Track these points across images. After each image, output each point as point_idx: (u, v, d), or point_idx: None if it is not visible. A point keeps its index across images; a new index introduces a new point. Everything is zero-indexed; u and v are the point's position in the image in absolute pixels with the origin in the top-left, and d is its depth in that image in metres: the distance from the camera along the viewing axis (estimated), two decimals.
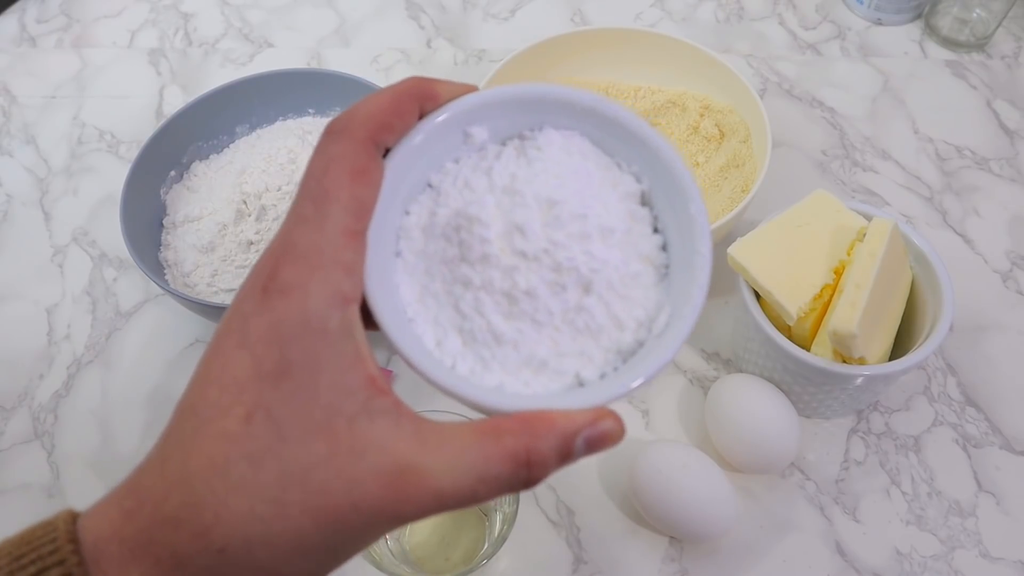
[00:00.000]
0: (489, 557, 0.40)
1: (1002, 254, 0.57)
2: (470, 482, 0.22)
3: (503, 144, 0.28)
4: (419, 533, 0.45)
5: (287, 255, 0.22)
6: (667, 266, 0.28)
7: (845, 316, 0.40)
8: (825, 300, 0.44)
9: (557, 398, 0.25)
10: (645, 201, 0.28)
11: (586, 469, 0.48)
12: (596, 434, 0.23)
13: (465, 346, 0.27)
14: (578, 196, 0.26)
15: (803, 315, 0.43)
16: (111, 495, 0.23)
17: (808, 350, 0.44)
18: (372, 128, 0.24)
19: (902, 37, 0.70)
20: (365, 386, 0.22)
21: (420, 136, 0.26)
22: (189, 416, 0.23)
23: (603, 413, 0.23)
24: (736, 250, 0.44)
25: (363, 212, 0.23)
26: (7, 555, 0.21)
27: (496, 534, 0.42)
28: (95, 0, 0.76)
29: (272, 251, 0.23)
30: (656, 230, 0.28)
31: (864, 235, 0.44)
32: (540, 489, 0.48)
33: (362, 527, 0.21)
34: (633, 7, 0.73)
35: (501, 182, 0.27)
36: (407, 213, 0.28)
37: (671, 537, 0.46)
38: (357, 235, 0.23)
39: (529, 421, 0.22)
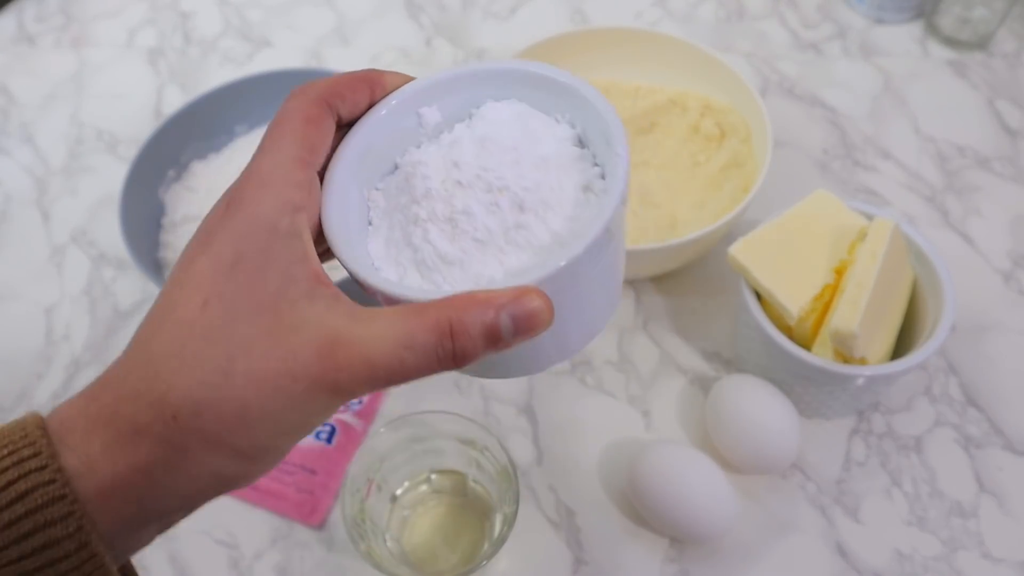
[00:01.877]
0: (489, 557, 0.40)
1: (1003, 254, 0.57)
2: (397, 350, 0.23)
3: (453, 126, 0.33)
4: (419, 534, 0.45)
5: (246, 179, 0.26)
6: (606, 190, 0.29)
7: (846, 316, 0.40)
8: (826, 300, 0.44)
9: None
10: (582, 144, 0.32)
11: (586, 469, 0.48)
12: (521, 312, 0.24)
13: (422, 277, 0.29)
14: (511, 137, 0.30)
15: (804, 315, 0.43)
16: (80, 391, 0.25)
17: (809, 350, 0.44)
18: (324, 90, 0.28)
19: (903, 36, 0.70)
20: (309, 277, 0.25)
21: (374, 116, 0.31)
22: (152, 316, 0.25)
23: (527, 290, 0.24)
24: (737, 250, 0.44)
25: (313, 149, 0.27)
26: None
27: (496, 534, 0.42)
28: None
29: (235, 181, 0.26)
30: (596, 164, 0.31)
31: (865, 235, 0.44)
32: (540, 489, 0.48)
33: (302, 397, 0.23)
34: (633, 6, 0.73)
35: (447, 141, 0.31)
36: (377, 189, 0.32)
37: (671, 537, 0.46)
38: (307, 164, 0.27)
39: (452, 299, 0.24)
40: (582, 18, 0.72)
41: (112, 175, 0.62)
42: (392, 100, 0.32)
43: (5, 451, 0.23)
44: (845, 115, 0.64)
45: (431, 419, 0.43)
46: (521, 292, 0.24)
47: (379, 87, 0.30)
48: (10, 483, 0.22)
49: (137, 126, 0.66)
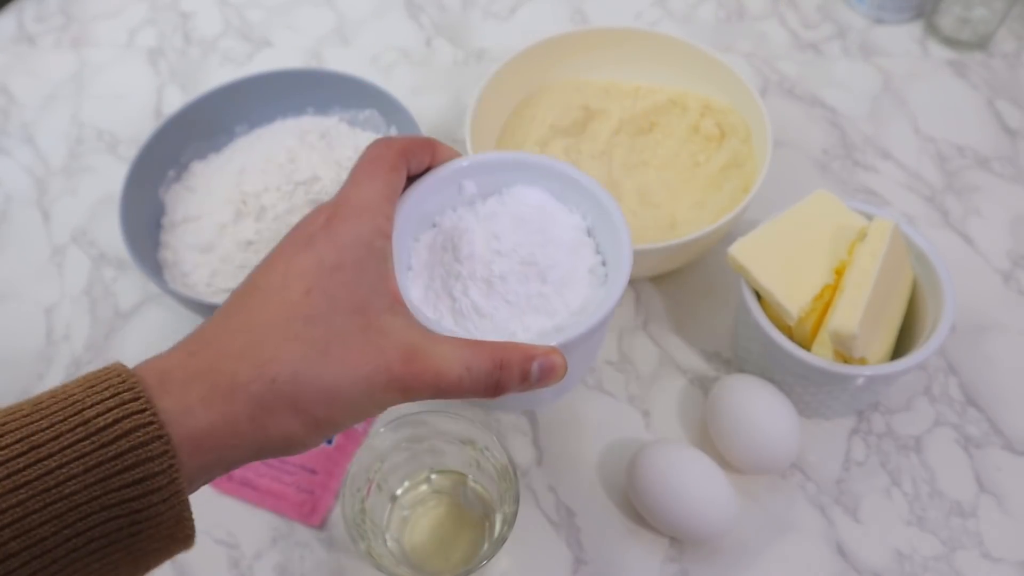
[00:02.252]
0: (489, 557, 0.40)
1: (1003, 254, 0.57)
2: (460, 369, 0.29)
3: (486, 198, 0.40)
4: (419, 534, 0.45)
5: (345, 202, 0.31)
6: (606, 275, 0.39)
7: (846, 316, 0.40)
8: (826, 300, 0.44)
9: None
10: (590, 234, 0.40)
11: (586, 469, 0.48)
12: (548, 364, 0.31)
13: (456, 324, 0.37)
14: (539, 220, 0.39)
15: (804, 315, 0.43)
16: (171, 348, 0.29)
17: (809, 350, 0.44)
18: (403, 147, 0.34)
19: (903, 36, 0.70)
20: (392, 294, 0.30)
21: (427, 181, 0.38)
22: (252, 291, 0.29)
23: (553, 350, 0.31)
24: (737, 250, 0.44)
25: (395, 191, 0.33)
26: (77, 385, 0.26)
27: (496, 534, 0.42)
28: None
29: (326, 205, 0.31)
30: (598, 252, 0.40)
31: (865, 235, 0.44)
32: (540, 489, 0.48)
33: (381, 390, 0.28)
34: (633, 6, 0.73)
35: (484, 213, 0.39)
36: (416, 240, 0.39)
37: (671, 537, 0.46)
38: (391, 201, 0.32)
39: (503, 343, 0.31)
40: (582, 18, 0.72)
41: (112, 175, 0.62)
42: (443, 171, 0.39)
43: (107, 392, 0.26)
44: (845, 115, 0.64)
45: (431, 419, 0.43)
46: (550, 350, 0.31)
47: (437, 155, 0.37)
48: (116, 420, 0.25)
49: (137, 126, 0.66)
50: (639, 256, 0.48)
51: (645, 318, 0.54)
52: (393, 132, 0.57)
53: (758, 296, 0.45)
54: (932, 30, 0.70)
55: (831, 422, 0.49)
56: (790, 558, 0.45)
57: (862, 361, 0.42)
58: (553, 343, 0.34)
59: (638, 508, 0.45)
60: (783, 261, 0.44)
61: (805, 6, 0.73)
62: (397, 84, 0.67)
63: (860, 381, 0.44)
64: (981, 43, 0.68)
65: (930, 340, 0.43)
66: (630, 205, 0.55)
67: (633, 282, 0.56)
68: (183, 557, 0.46)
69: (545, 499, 0.47)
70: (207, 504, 0.48)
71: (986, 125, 0.64)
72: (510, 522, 0.40)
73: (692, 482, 0.43)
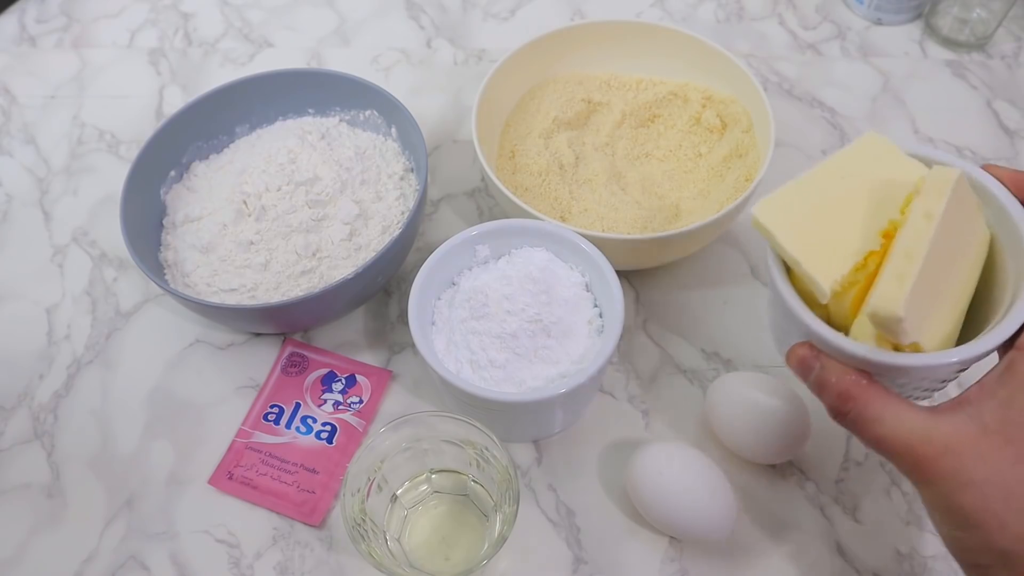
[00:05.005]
0: (489, 557, 0.40)
1: None
2: None
3: (498, 258, 0.48)
4: (419, 534, 0.45)
5: None
6: (603, 326, 0.46)
7: (888, 295, 0.31)
8: (871, 271, 0.34)
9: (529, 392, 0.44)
10: (588, 289, 0.47)
11: (586, 469, 0.48)
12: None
13: (474, 373, 0.44)
14: (544, 280, 0.45)
15: (842, 290, 0.34)
16: None
17: (847, 333, 0.35)
18: None
19: (902, 37, 0.70)
20: None
21: (446, 247, 0.47)
22: None
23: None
24: (761, 211, 0.35)
25: None
26: None
27: (496, 534, 0.42)
28: (95, 0, 0.76)
29: None
30: (596, 306, 0.47)
31: (919, 190, 0.34)
32: (540, 489, 0.48)
33: None
34: (633, 6, 0.73)
35: (496, 274, 0.46)
36: (438, 299, 0.48)
37: (671, 537, 0.46)
38: None
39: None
40: (582, 18, 0.72)
41: (113, 175, 0.63)
42: (459, 238, 0.47)
43: None
44: (844, 115, 0.65)
45: (431, 419, 0.43)
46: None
47: None
48: None
49: (138, 126, 0.66)
50: (643, 246, 0.49)
51: (645, 318, 0.54)
52: (393, 132, 0.57)
53: (788, 268, 0.37)
54: (931, 31, 0.70)
55: (831, 422, 0.49)
56: (790, 558, 0.45)
57: (915, 348, 0.33)
58: (560, 391, 0.41)
59: (638, 508, 0.45)
60: (819, 223, 0.35)
61: (804, 7, 0.73)
62: (397, 84, 0.67)
63: (912, 372, 0.34)
64: (980, 44, 0.69)
65: (1009, 316, 0.33)
66: (634, 196, 0.55)
67: (634, 279, 0.56)
68: (184, 556, 0.46)
69: (545, 499, 0.47)
70: (207, 504, 0.48)
71: (985, 125, 0.64)
72: (510, 522, 0.40)
73: (692, 482, 0.43)
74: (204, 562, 0.46)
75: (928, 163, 0.37)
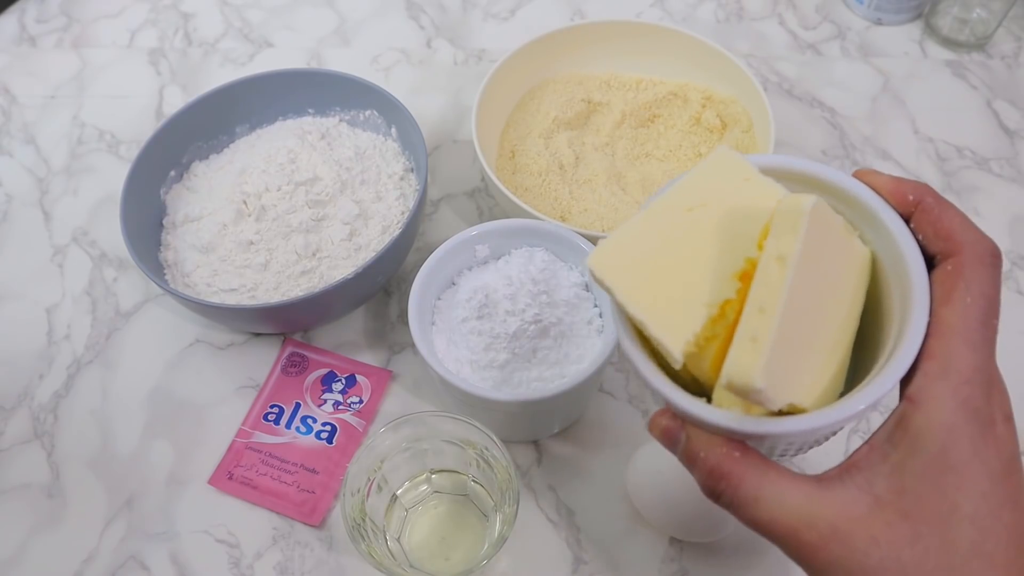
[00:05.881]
0: (489, 557, 0.40)
1: (1002, 254, 0.57)
2: None
3: (498, 258, 0.48)
4: (419, 534, 0.45)
5: None
6: (602, 326, 0.46)
7: (742, 362, 0.26)
8: (731, 321, 0.29)
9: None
10: (588, 289, 0.47)
11: (586, 468, 0.48)
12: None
13: (473, 372, 0.45)
14: (544, 281, 0.45)
15: (698, 350, 0.29)
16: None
17: (710, 399, 0.29)
18: None
19: (902, 37, 0.70)
20: None
21: (447, 246, 0.47)
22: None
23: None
24: (596, 260, 0.29)
25: None
26: None
27: (496, 534, 0.42)
28: (95, 0, 0.76)
29: None
30: (596, 306, 0.47)
31: (770, 227, 0.28)
32: (540, 489, 0.48)
33: None
34: (633, 7, 0.73)
35: (497, 272, 0.46)
36: (439, 299, 0.48)
37: (671, 537, 0.46)
38: None
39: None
40: (582, 18, 0.72)
41: (113, 175, 0.63)
42: (457, 239, 0.47)
43: None
44: (844, 116, 0.65)
45: (431, 419, 0.43)
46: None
47: None
48: None
49: (138, 126, 0.66)
50: None
51: None
52: (393, 132, 0.57)
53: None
54: (931, 31, 0.70)
55: None
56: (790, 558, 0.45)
57: (792, 408, 0.28)
58: (560, 391, 0.41)
59: (638, 508, 0.45)
60: (664, 271, 0.29)
61: (804, 7, 0.73)
62: (397, 84, 0.67)
63: (787, 438, 0.29)
64: (980, 44, 0.69)
65: (896, 359, 0.28)
66: (634, 196, 0.56)
67: None
68: (184, 556, 0.46)
69: (545, 499, 0.47)
70: (207, 504, 0.48)
71: (985, 125, 0.64)
72: (510, 522, 0.40)
73: (692, 482, 0.43)
74: (204, 562, 0.46)
75: (788, 178, 0.31)
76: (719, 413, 0.28)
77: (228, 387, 0.52)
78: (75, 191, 0.63)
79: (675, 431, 0.30)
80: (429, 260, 0.46)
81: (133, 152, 0.63)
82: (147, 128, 0.65)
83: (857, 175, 0.31)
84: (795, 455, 0.33)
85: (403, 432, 0.43)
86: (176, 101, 0.68)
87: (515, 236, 0.48)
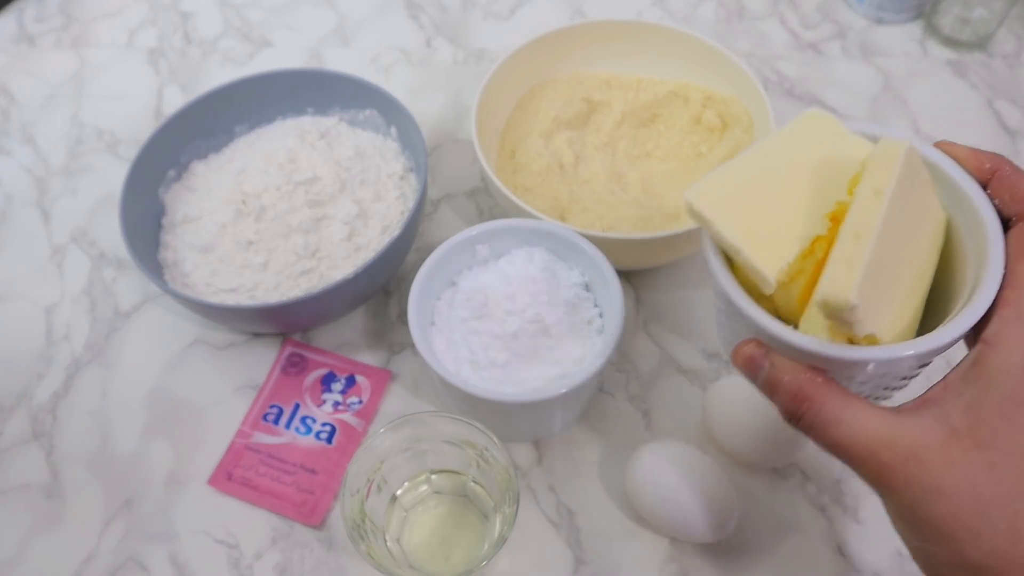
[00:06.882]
0: (489, 558, 0.40)
1: None
2: None
3: (498, 258, 0.48)
4: (419, 534, 0.45)
5: None
6: (603, 326, 0.46)
7: (839, 280, 0.28)
8: (819, 258, 0.31)
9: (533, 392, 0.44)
10: (588, 288, 0.47)
11: (586, 469, 0.48)
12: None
13: (474, 372, 0.44)
14: (545, 280, 0.45)
15: (788, 279, 0.31)
16: None
17: (796, 326, 0.31)
18: None
19: (903, 36, 0.70)
20: None
21: (446, 246, 0.46)
22: None
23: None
24: (696, 195, 0.31)
25: None
26: None
27: (496, 535, 0.42)
28: None
29: None
30: (596, 305, 0.47)
31: (867, 166, 0.31)
32: (540, 489, 0.48)
33: None
34: (634, 6, 0.73)
35: (497, 273, 0.46)
36: (438, 299, 0.47)
37: (671, 537, 0.46)
38: None
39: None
40: (582, 18, 0.72)
41: (112, 175, 0.62)
42: (459, 238, 0.46)
43: None
44: (845, 115, 0.64)
45: (431, 419, 0.43)
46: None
47: None
48: None
49: (137, 126, 0.66)
50: (644, 246, 0.49)
51: (645, 318, 0.54)
52: (393, 132, 0.57)
53: (729, 258, 0.33)
54: (932, 30, 0.70)
55: None
56: (790, 558, 0.45)
57: (871, 340, 0.30)
58: (560, 391, 0.41)
59: (638, 508, 0.45)
60: (759, 208, 0.32)
61: (805, 6, 0.73)
62: (397, 84, 0.67)
63: (870, 367, 0.31)
64: (981, 43, 0.68)
65: (972, 304, 0.30)
66: (634, 195, 0.55)
67: (634, 279, 0.56)
68: (183, 557, 0.46)
69: (545, 499, 0.47)
70: (207, 504, 0.48)
71: (986, 125, 0.64)
72: (510, 522, 0.40)
73: (692, 482, 0.43)
74: (203, 563, 0.46)
75: (876, 140, 0.33)
76: (808, 339, 0.30)
77: (227, 387, 0.52)
78: (74, 191, 0.62)
79: (759, 358, 0.32)
80: (429, 260, 0.46)
81: (132, 152, 0.63)
82: (146, 128, 0.65)
83: (937, 145, 0.34)
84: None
85: (403, 432, 0.43)
86: (175, 101, 0.68)
87: (515, 236, 0.48)
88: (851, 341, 0.30)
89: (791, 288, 0.31)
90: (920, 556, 0.30)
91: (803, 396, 0.30)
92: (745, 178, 0.32)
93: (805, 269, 0.31)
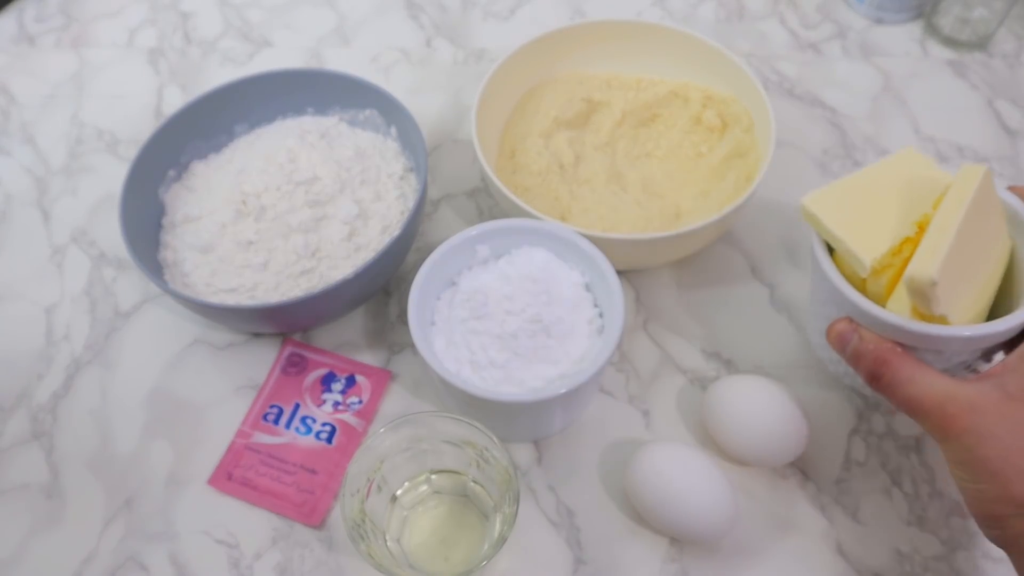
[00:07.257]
0: (489, 558, 0.40)
1: None
2: None
3: (498, 258, 0.48)
4: (419, 534, 0.45)
5: None
6: (603, 326, 0.46)
7: (924, 261, 0.36)
8: (906, 256, 0.39)
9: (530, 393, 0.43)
10: (588, 289, 0.47)
11: (586, 469, 0.48)
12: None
13: (474, 373, 0.44)
14: (544, 280, 0.45)
15: (879, 267, 0.39)
16: None
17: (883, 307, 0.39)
18: None
19: (903, 36, 0.70)
20: None
21: (446, 246, 0.46)
22: None
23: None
24: (810, 200, 0.41)
25: None
26: None
27: (496, 535, 0.42)
28: None
29: None
30: (596, 306, 0.47)
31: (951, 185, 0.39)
32: (540, 489, 0.48)
33: None
34: (634, 6, 0.73)
35: (497, 273, 0.46)
36: (438, 299, 0.47)
37: (671, 537, 0.46)
38: None
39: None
40: (582, 18, 0.72)
41: (112, 175, 0.62)
42: (459, 238, 0.47)
43: None
44: (845, 115, 0.64)
45: (431, 419, 0.43)
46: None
47: None
48: None
49: (137, 126, 0.66)
50: (645, 246, 0.49)
51: (645, 318, 0.54)
52: (393, 132, 0.57)
53: (831, 251, 0.42)
54: (932, 30, 0.70)
55: (831, 422, 0.49)
56: (790, 558, 0.45)
57: (942, 320, 0.37)
58: (560, 391, 0.41)
59: (638, 508, 0.45)
60: (859, 212, 0.40)
61: (805, 6, 0.73)
62: (397, 84, 0.67)
63: (941, 344, 0.38)
64: (981, 43, 0.68)
65: None
66: (635, 196, 0.55)
67: (634, 279, 0.56)
68: (183, 557, 0.46)
69: (545, 499, 0.47)
70: (207, 504, 0.48)
71: (986, 125, 0.64)
72: (510, 522, 0.40)
73: (692, 482, 0.43)
74: (203, 563, 0.46)
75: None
76: (892, 315, 0.38)
77: (227, 387, 0.52)
78: (74, 191, 0.62)
79: (849, 333, 0.39)
80: (429, 260, 0.46)
81: (132, 152, 0.63)
82: (146, 127, 0.65)
83: (1010, 189, 0.42)
84: None
85: (403, 432, 0.43)
86: (175, 100, 0.68)
87: (515, 236, 0.48)
88: (928, 321, 0.37)
89: (880, 278, 0.39)
90: (971, 496, 0.35)
91: (883, 360, 0.37)
92: (848, 190, 0.41)
93: (893, 264, 0.39)
